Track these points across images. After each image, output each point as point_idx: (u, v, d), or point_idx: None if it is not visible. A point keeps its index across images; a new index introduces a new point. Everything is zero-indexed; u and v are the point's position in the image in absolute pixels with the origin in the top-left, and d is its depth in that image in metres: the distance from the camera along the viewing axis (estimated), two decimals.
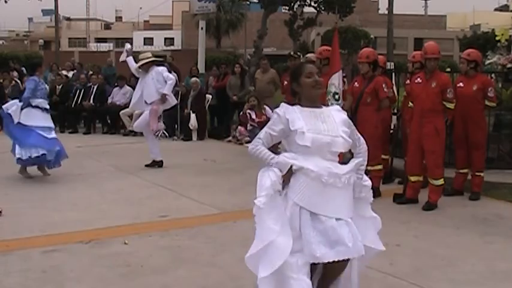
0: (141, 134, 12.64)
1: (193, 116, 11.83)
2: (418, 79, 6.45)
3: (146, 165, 8.58)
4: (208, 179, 7.88)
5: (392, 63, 16.32)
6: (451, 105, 6.32)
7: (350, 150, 3.36)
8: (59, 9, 28.09)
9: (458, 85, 6.78)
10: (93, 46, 59.02)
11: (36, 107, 7.77)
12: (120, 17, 77.59)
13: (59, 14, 30.97)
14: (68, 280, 4.15)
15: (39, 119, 7.75)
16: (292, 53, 8.92)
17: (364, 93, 6.73)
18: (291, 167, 3.10)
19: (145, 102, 8.61)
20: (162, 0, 74.02)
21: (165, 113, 12.31)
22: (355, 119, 6.86)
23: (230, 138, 11.82)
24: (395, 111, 8.14)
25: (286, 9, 28.43)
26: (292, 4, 27.20)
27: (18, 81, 15.36)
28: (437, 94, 6.24)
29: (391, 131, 7.88)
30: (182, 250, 4.83)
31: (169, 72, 13.97)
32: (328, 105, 3.32)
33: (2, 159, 9.11)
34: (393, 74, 9.03)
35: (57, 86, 13.81)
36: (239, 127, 11.63)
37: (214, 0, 16.77)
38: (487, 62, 8.98)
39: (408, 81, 7.21)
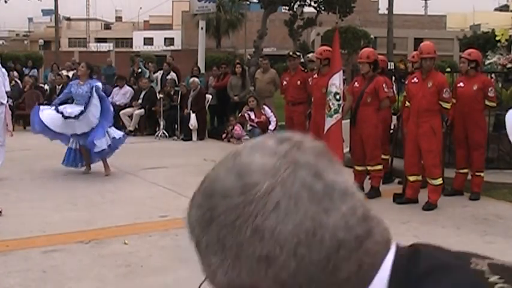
0: (141, 134, 12.68)
1: (193, 116, 11.82)
2: (415, 79, 6.46)
3: None
4: None
5: (392, 63, 16.35)
6: (447, 105, 6.31)
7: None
8: (59, 9, 28.22)
9: (458, 85, 6.77)
10: (93, 46, 58.98)
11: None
12: (120, 17, 77.44)
13: (59, 14, 31.05)
14: (68, 280, 4.15)
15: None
16: (291, 53, 8.90)
17: (364, 93, 6.74)
18: None
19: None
20: (162, 0, 73.99)
21: (165, 113, 12.36)
22: (355, 119, 6.88)
23: (224, 136, 11.81)
24: (395, 111, 8.14)
25: (286, 9, 28.40)
26: (292, 4, 27.17)
27: (18, 81, 15.36)
28: (434, 94, 6.23)
29: (391, 131, 7.88)
30: (182, 250, 4.82)
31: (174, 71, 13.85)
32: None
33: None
34: (393, 74, 9.03)
35: (57, 86, 13.80)
36: (236, 126, 11.62)
37: (214, 0, 16.77)
38: (487, 62, 8.98)
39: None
